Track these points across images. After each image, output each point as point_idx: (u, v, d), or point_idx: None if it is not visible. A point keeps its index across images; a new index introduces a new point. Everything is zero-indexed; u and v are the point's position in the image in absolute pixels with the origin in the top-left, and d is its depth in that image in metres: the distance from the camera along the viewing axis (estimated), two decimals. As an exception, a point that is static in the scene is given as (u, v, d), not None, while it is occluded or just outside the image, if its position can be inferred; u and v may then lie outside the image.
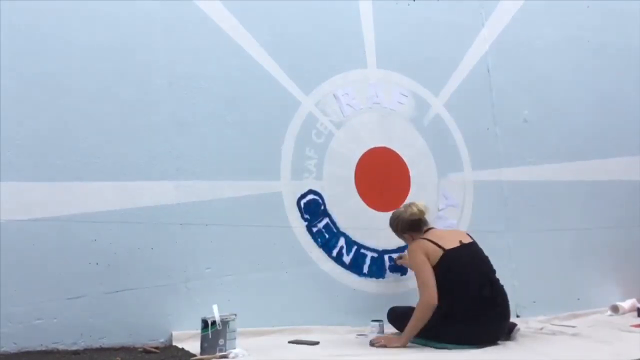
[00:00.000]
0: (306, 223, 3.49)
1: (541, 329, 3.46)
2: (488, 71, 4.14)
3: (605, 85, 4.46)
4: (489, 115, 4.10)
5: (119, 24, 3.22)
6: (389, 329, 3.27)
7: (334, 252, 3.54)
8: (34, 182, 2.94)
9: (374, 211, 3.68)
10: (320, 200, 3.55)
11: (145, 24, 3.28)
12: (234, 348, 2.72)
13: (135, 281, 3.05)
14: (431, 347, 2.94)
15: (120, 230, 3.06)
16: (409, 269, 3.54)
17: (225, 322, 2.73)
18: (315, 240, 3.50)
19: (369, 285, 3.59)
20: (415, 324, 2.97)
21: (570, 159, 4.27)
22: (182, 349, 2.92)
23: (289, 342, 3.07)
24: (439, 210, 3.83)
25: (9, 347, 2.79)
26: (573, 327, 3.55)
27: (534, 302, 3.86)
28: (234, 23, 3.46)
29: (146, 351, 2.91)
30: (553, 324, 3.56)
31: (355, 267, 3.58)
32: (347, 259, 3.56)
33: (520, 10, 4.28)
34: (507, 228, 3.96)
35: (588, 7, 4.50)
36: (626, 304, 4.03)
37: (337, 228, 3.57)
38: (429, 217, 3.32)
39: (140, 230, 3.10)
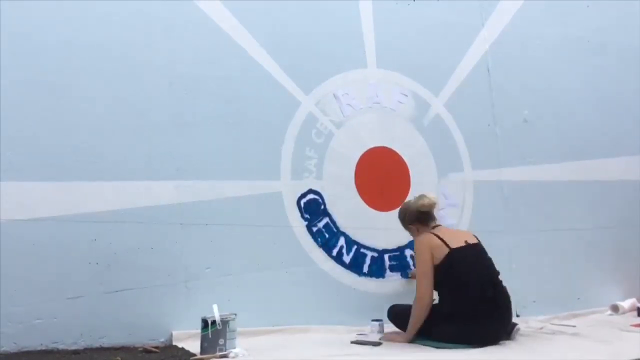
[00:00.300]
0: (306, 223, 3.49)
1: (541, 328, 3.46)
2: (488, 71, 4.14)
3: (605, 85, 4.47)
4: (489, 115, 4.10)
5: (119, 24, 3.22)
6: (389, 328, 3.27)
7: (334, 252, 3.54)
8: (34, 182, 2.95)
9: (374, 211, 3.68)
10: (320, 200, 3.55)
11: (145, 24, 3.29)
12: (234, 348, 2.72)
13: (135, 281, 3.06)
14: (431, 346, 2.94)
15: (120, 230, 3.06)
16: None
17: (225, 322, 2.73)
18: (315, 240, 3.50)
19: (369, 284, 3.59)
20: (413, 321, 3.02)
21: (570, 159, 4.27)
22: (182, 348, 2.92)
23: (352, 342, 3.06)
24: (438, 210, 3.82)
25: (9, 347, 2.79)
26: (573, 327, 3.55)
27: (534, 301, 3.85)
28: (234, 23, 3.46)
29: (146, 351, 2.91)
30: (553, 324, 3.55)
31: (355, 266, 3.58)
32: (347, 258, 3.56)
33: (520, 10, 4.28)
34: (507, 228, 3.96)
35: (588, 7, 4.50)
36: (626, 303, 4.02)
37: (337, 228, 3.57)
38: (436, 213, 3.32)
39: (140, 230, 3.10)
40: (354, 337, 3.16)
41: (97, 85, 3.13)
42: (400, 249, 3.68)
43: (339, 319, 3.39)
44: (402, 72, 3.89)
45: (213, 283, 3.20)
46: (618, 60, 4.52)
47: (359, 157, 3.71)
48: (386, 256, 3.66)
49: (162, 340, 3.05)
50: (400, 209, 3.40)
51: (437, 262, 3.03)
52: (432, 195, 3.30)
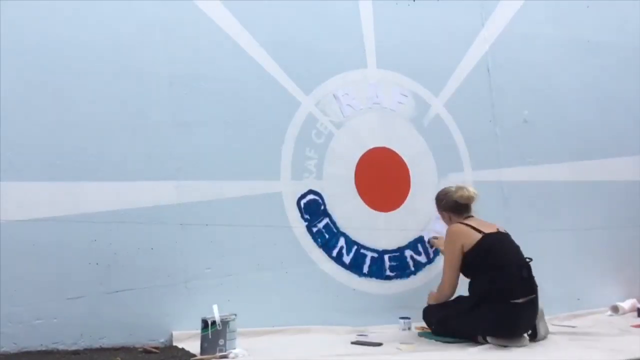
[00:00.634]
0: (306, 223, 3.49)
1: (541, 329, 3.47)
2: (488, 71, 4.13)
3: (605, 85, 4.46)
4: (489, 115, 4.10)
5: (119, 24, 3.22)
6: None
7: (334, 252, 3.54)
8: (34, 182, 2.94)
9: (374, 211, 3.68)
10: (320, 200, 3.55)
11: (145, 24, 3.28)
12: (234, 348, 2.72)
13: (135, 281, 3.05)
14: (437, 340, 3.03)
15: (120, 230, 3.06)
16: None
17: (225, 322, 2.73)
18: (315, 241, 3.50)
19: (369, 285, 3.59)
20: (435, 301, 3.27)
21: (570, 159, 4.27)
22: (182, 349, 2.92)
23: (352, 342, 3.07)
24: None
25: (9, 347, 2.79)
26: (573, 327, 3.55)
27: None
28: (234, 23, 3.45)
29: (146, 351, 2.91)
30: (553, 324, 3.55)
31: (355, 267, 3.58)
32: (347, 259, 3.56)
33: (520, 10, 4.28)
34: (507, 228, 3.92)
35: (588, 7, 4.50)
36: (626, 304, 4.03)
37: (337, 228, 3.57)
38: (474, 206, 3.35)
39: (140, 230, 3.10)
40: (354, 338, 3.16)
41: (97, 85, 3.13)
42: (400, 250, 3.68)
43: (339, 320, 3.39)
44: (402, 72, 3.89)
45: (213, 283, 3.20)
46: (618, 60, 4.51)
47: (359, 157, 3.71)
48: (386, 257, 3.65)
49: (162, 340, 3.05)
50: (440, 193, 3.43)
51: (468, 248, 3.09)
52: (472, 188, 3.36)
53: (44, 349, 2.83)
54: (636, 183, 4.43)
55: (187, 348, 2.90)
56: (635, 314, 3.91)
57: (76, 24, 3.13)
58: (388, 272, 3.64)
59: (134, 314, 3.03)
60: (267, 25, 3.55)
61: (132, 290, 3.05)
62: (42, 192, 2.95)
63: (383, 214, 3.67)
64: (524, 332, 3.05)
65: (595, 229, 4.22)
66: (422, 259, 3.74)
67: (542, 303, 3.14)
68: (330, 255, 3.52)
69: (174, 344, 3.01)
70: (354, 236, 3.60)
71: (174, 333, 3.05)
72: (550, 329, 3.37)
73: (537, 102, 4.24)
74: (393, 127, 3.84)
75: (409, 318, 3.38)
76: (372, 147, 3.75)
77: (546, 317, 3.70)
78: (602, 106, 4.42)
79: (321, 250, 3.50)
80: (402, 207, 3.75)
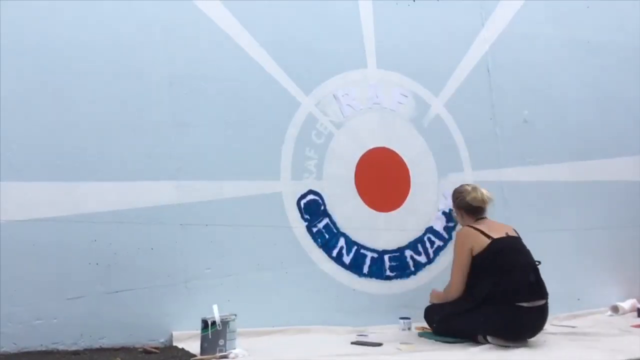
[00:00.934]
0: (306, 223, 3.49)
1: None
2: (488, 71, 4.13)
3: (605, 85, 4.46)
4: (489, 115, 4.10)
5: (119, 24, 3.22)
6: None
7: (334, 253, 3.54)
8: (34, 182, 2.94)
9: (374, 211, 3.68)
10: (320, 201, 3.55)
11: (145, 24, 3.28)
12: (234, 348, 2.72)
13: (135, 281, 3.06)
14: (437, 340, 3.03)
15: (120, 230, 3.06)
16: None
17: (225, 322, 2.73)
18: (315, 241, 3.50)
19: (369, 285, 3.59)
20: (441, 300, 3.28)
21: (570, 159, 4.27)
22: (182, 349, 2.92)
23: (352, 343, 3.08)
24: (438, 210, 3.83)
25: (9, 347, 2.79)
26: (573, 327, 3.55)
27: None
28: (234, 23, 3.46)
29: (146, 351, 2.91)
30: (553, 324, 3.55)
31: (355, 267, 3.58)
32: (347, 259, 3.56)
33: (520, 10, 4.27)
34: (507, 228, 3.96)
35: (588, 7, 4.49)
36: (626, 304, 4.02)
37: (337, 228, 3.57)
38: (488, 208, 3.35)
39: (140, 230, 3.10)
40: (354, 338, 3.16)
41: (97, 85, 3.13)
42: (400, 250, 3.68)
43: (339, 320, 3.39)
44: (402, 72, 3.89)
45: (213, 283, 3.20)
46: (618, 60, 4.51)
47: (359, 157, 3.71)
48: (386, 257, 3.65)
49: (162, 340, 3.05)
50: (455, 190, 3.44)
51: (477, 252, 3.10)
52: (486, 191, 3.35)
53: (44, 349, 2.84)
54: (636, 183, 4.43)
55: (187, 348, 2.90)
56: (635, 314, 3.91)
57: (76, 24, 3.14)
58: (388, 272, 3.64)
59: (134, 314, 3.03)
60: (267, 25, 3.55)
61: (132, 290, 3.05)
62: (42, 192, 2.95)
63: (383, 214, 3.67)
64: (528, 338, 3.04)
65: (595, 229, 4.22)
66: (422, 259, 3.74)
67: None
68: (330, 255, 3.52)
69: (174, 344, 3.01)
70: (354, 236, 3.60)
71: (174, 333, 3.05)
72: (550, 329, 3.37)
73: (537, 102, 4.24)
74: (393, 127, 3.84)
75: (409, 318, 3.39)
76: (372, 147, 3.75)
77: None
78: (602, 106, 4.42)
79: (321, 250, 3.50)
80: (402, 207, 3.75)
